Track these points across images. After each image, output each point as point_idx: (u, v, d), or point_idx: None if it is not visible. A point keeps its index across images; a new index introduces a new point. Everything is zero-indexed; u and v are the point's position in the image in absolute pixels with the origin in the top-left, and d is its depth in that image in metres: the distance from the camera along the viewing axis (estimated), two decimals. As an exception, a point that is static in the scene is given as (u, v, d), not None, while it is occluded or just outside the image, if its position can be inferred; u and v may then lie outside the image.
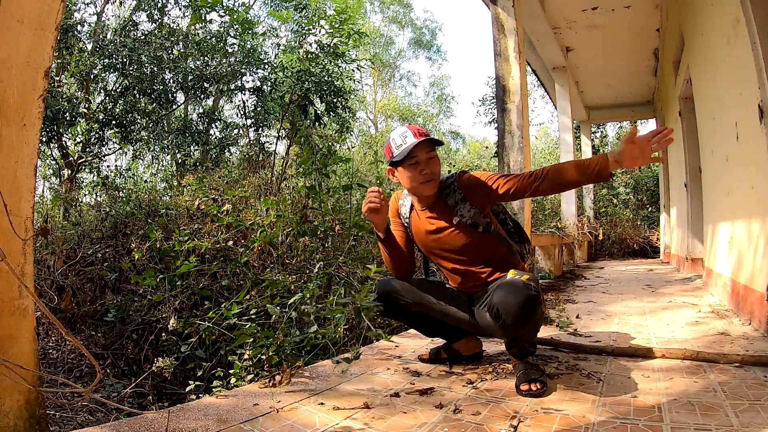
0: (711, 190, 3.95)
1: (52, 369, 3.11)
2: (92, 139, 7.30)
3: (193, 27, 7.27)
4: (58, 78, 7.17)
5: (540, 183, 1.58)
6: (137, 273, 3.28)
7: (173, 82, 7.36)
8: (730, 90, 2.92)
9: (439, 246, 1.78)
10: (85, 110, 7.21)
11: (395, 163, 1.69)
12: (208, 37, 7.27)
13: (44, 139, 6.57)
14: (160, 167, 8.16)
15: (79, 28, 6.98)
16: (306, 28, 6.39)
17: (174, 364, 1.99)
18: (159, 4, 7.84)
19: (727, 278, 3.12)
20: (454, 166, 14.04)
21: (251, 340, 1.86)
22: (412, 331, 2.47)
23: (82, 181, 7.93)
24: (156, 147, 7.71)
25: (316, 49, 6.11)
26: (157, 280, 3.01)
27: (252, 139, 7.48)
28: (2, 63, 1.24)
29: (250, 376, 1.78)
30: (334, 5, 5.80)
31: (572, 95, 7.82)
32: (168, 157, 8.02)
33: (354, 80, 7.37)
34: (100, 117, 7.25)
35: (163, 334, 2.81)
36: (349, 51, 6.31)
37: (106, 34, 8.01)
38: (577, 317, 2.86)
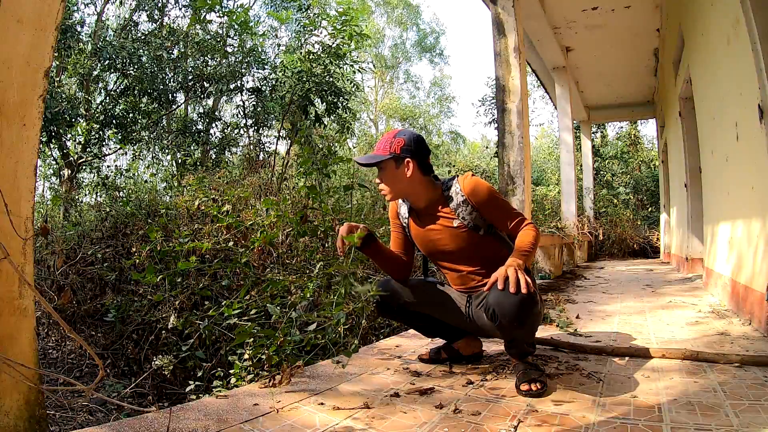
0: (711, 190, 3.94)
1: (52, 369, 3.11)
2: (92, 139, 7.31)
3: (192, 27, 7.28)
4: (58, 78, 7.17)
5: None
6: (138, 272, 3.28)
7: (173, 82, 7.36)
8: (730, 90, 2.92)
9: (437, 247, 1.77)
10: (85, 111, 7.21)
11: None
12: (208, 38, 7.28)
13: (44, 139, 6.57)
14: (160, 167, 8.15)
15: (78, 28, 6.98)
16: (308, 29, 6.37)
17: (173, 362, 1.99)
18: (159, 4, 7.85)
19: (727, 278, 3.12)
20: (453, 166, 14.00)
21: (251, 339, 1.86)
22: (412, 331, 2.47)
23: (82, 181, 7.94)
24: (156, 147, 7.71)
25: (318, 49, 6.09)
26: (158, 278, 3.01)
27: (252, 139, 7.47)
28: (2, 63, 1.24)
29: (250, 376, 1.78)
30: (339, 6, 5.76)
31: (572, 95, 7.82)
32: (168, 157, 8.02)
33: (353, 83, 7.35)
34: (100, 117, 7.25)
35: (163, 333, 2.81)
36: (351, 52, 6.28)
37: (106, 34, 8.01)
38: (577, 317, 2.86)
